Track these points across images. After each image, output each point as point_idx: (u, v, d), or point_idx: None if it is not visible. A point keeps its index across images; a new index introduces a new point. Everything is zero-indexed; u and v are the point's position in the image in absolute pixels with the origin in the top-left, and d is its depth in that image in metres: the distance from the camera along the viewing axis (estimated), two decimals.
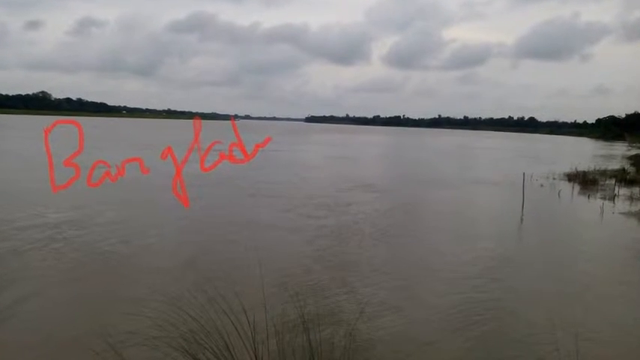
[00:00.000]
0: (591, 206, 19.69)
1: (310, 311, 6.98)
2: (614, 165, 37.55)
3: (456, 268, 10.81)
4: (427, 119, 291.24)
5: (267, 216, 15.82)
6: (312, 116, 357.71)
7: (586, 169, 29.89)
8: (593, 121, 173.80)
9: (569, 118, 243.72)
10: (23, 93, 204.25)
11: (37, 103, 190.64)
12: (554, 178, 28.21)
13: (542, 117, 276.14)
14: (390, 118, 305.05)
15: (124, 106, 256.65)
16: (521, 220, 16.89)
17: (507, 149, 70.00)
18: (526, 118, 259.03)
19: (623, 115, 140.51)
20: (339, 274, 10.04)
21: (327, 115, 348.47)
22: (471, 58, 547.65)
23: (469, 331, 7.50)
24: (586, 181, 26.61)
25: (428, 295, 9.21)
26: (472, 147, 74.59)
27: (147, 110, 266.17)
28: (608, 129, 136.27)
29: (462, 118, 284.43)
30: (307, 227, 14.27)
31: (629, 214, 17.85)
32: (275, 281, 9.04)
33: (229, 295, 6.58)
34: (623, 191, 23.30)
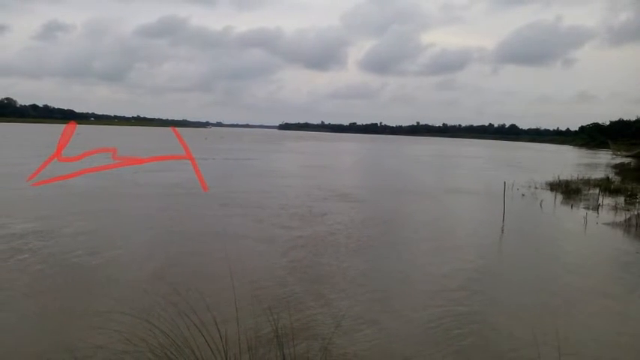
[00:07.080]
0: (574, 216, 20.08)
1: (284, 325, 7.07)
2: (598, 174, 38.47)
3: (435, 281, 11.00)
4: (405, 126, 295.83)
5: (239, 226, 15.88)
6: (286, 123, 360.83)
7: (569, 178, 30.56)
8: (577, 129, 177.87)
9: (551, 126, 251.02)
10: None
11: (2, 110, 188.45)
12: (535, 188, 28.76)
13: (524, 124, 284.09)
14: (366, 125, 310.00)
15: (92, 113, 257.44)
16: (502, 230, 17.17)
17: (487, 157, 71.12)
18: (507, 125, 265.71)
19: (608, 122, 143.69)
20: (313, 287, 10.15)
21: (301, 122, 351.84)
22: (450, 64, 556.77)
23: (449, 346, 7.64)
24: (569, 190, 27.21)
25: (406, 309, 9.33)
26: (451, 155, 75.62)
27: (115, 117, 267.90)
28: (591, 136, 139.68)
29: (441, 125, 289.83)
30: (281, 238, 14.36)
31: (613, 224, 18.17)
32: (248, 294, 9.10)
33: (200, 309, 6.64)
34: (608, 201, 23.82)
